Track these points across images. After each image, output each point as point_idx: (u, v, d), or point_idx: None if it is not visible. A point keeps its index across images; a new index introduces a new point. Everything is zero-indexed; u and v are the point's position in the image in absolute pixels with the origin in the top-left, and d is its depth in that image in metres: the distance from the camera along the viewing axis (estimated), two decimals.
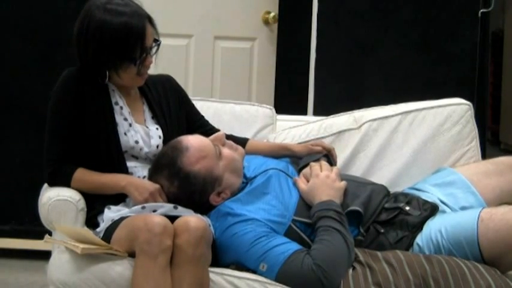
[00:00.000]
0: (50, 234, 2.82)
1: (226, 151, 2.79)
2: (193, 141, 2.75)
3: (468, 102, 3.28)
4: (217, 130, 3.03)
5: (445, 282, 2.47)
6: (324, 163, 2.88)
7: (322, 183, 2.76)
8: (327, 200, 2.71)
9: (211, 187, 2.73)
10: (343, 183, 2.80)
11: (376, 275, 2.50)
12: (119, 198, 2.76)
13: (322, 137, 3.19)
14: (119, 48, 2.70)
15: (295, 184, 2.83)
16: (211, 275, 2.57)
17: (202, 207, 2.73)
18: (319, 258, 2.53)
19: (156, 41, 2.78)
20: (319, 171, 2.81)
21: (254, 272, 2.60)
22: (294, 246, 2.60)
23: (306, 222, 2.71)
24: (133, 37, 2.69)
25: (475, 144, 3.24)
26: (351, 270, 2.54)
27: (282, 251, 2.57)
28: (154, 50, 2.77)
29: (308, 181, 2.81)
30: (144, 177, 2.79)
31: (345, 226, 2.65)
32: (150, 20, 2.76)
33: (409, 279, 2.48)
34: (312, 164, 2.87)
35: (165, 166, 2.73)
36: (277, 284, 2.55)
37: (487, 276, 2.49)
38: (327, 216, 2.65)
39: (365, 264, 2.55)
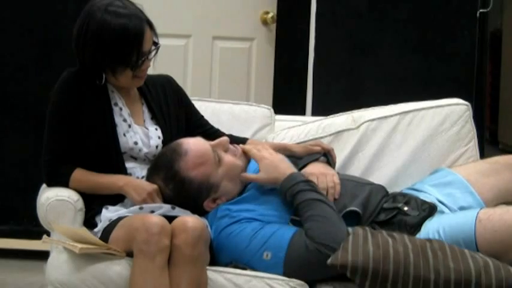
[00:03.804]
0: (48, 234, 2.82)
1: (227, 158, 2.78)
2: (193, 145, 2.75)
3: (466, 103, 3.28)
4: (217, 129, 3.03)
5: (443, 254, 2.48)
6: (259, 144, 2.86)
7: (272, 161, 2.75)
8: (289, 175, 2.69)
9: (207, 193, 2.74)
10: (280, 154, 2.80)
11: (377, 238, 2.51)
12: (117, 198, 2.76)
13: (321, 137, 3.19)
14: (116, 50, 2.70)
15: (243, 179, 2.79)
16: (210, 273, 2.57)
17: (198, 210, 2.73)
18: (318, 237, 2.54)
19: (156, 44, 2.78)
20: (259, 152, 2.79)
21: (253, 269, 2.60)
22: (290, 228, 2.62)
23: None
24: (131, 40, 2.69)
25: (474, 144, 3.24)
26: (351, 232, 2.55)
27: (281, 235, 2.59)
28: (152, 53, 2.77)
29: None
30: (142, 177, 2.80)
31: (317, 190, 2.66)
32: (149, 24, 2.75)
33: (408, 246, 2.49)
34: (249, 149, 2.83)
35: (162, 168, 2.73)
36: (276, 277, 2.56)
37: (485, 257, 2.50)
38: (299, 191, 2.64)
39: (368, 230, 2.57)
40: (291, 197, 2.66)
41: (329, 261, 2.47)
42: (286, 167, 2.74)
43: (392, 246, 2.49)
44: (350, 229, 2.57)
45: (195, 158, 2.72)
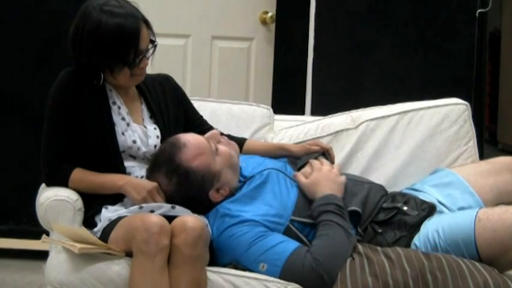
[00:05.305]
0: (48, 234, 2.82)
1: (222, 147, 2.81)
2: (190, 138, 2.77)
3: (465, 102, 3.28)
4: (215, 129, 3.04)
5: (443, 276, 2.47)
6: (324, 160, 2.89)
7: (325, 177, 2.77)
8: (328, 195, 2.71)
9: (210, 183, 2.74)
10: (343, 178, 2.81)
11: (374, 266, 2.50)
12: (117, 198, 2.75)
13: (320, 137, 3.19)
14: (112, 49, 2.70)
15: (294, 178, 2.83)
16: (209, 274, 2.57)
17: (201, 205, 2.73)
18: (318, 253, 2.54)
19: (153, 42, 2.78)
20: (321, 165, 2.82)
21: (253, 271, 2.60)
22: (292, 244, 2.60)
23: (304, 221, 2.71)
24: (127, 39, 2.69)
25: (473, 144, 3.24)
26: (348, 261, 2.54)
27: (281, 250, 2.58)
28: (150, 52, 2.78)
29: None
30: (142, 177, 2.80)
31: (346, 220, 2.66)
32: (146, 22, 2.75)
33: (407, 272, 2.48)
34: (312, 160, 2.88)
35: (164, 163, 2.73)
36: (275, 280, 2.56)
37: (484, 273, 2.49)
38: (327, 211, 2.66)
39: (363, 254, 2.55)
40: (318, 214, 2.67)
41: None
42: (334, 188, 2.74)
43: (390, 275, 2.48)
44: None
45: (195, 149, 2.73)
